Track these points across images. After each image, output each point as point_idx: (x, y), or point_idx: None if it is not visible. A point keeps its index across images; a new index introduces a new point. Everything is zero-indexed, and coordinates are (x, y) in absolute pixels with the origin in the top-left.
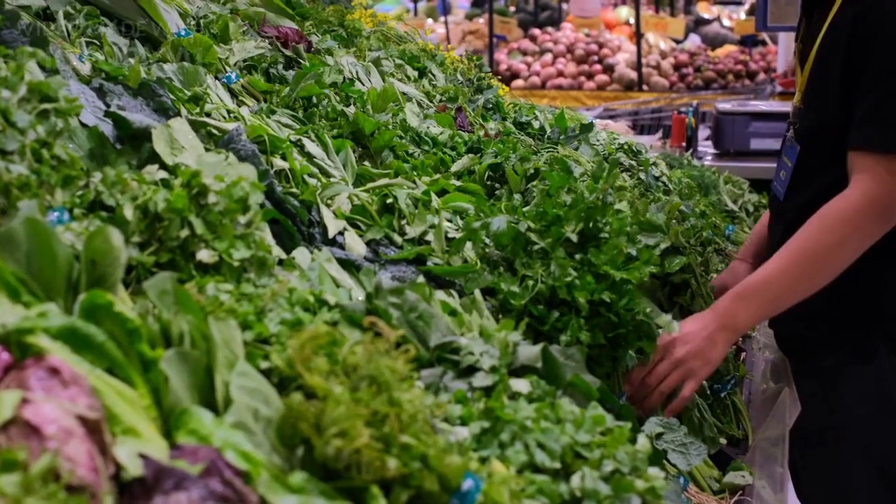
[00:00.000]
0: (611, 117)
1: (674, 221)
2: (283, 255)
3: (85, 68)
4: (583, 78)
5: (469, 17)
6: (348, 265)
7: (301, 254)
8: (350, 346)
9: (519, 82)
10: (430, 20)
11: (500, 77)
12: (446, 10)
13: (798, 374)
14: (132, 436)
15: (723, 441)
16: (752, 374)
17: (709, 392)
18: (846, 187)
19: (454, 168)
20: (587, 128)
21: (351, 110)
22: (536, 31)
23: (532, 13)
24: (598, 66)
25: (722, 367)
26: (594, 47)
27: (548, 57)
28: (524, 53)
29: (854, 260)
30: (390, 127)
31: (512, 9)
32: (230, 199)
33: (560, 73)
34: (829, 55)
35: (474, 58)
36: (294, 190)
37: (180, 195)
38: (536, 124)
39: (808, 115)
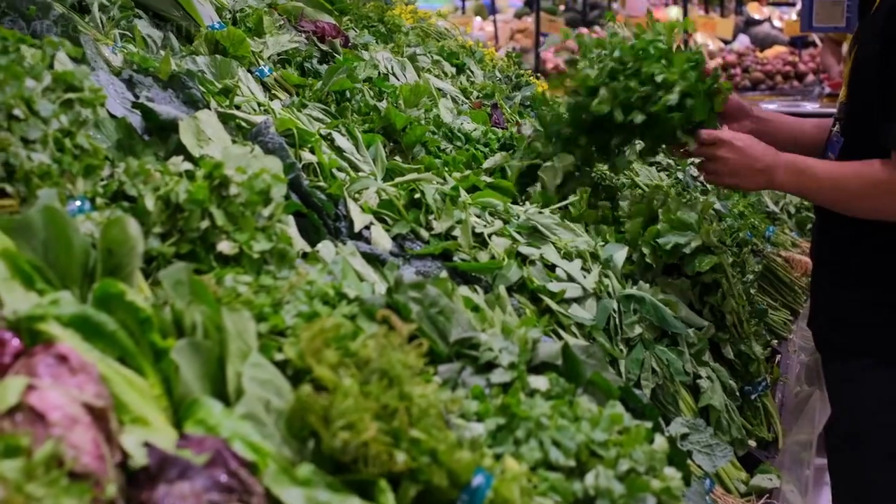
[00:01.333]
0: None
1: (710, 222)
2: (308, 249)
3: (117, 59)
4: None
5: (518, 16)
6: (373, 259)
7: (325, 247)
8: (363, 340)
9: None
10: (478, 18)
11: (541, 76)
12: (494, 8)
13: (828, 377)
14: (140, 425)
15: (752, 443)
16: (786, 376)
17: (738, 394)
18: None
19: (486, 164)
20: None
21: (383, 105)
22: (584, 31)
23: (580, 12)
24: None
25: (753, 368)
26: None
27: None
28: (572, 52)
29: (863, 214)
30: (423, 122)
31: (562, 7)
32: (251, 190)
33: None
34: (868, 50)
35: (513, 55)
36: (322, 183)
37: (201, 186)
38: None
39: (851, 110)
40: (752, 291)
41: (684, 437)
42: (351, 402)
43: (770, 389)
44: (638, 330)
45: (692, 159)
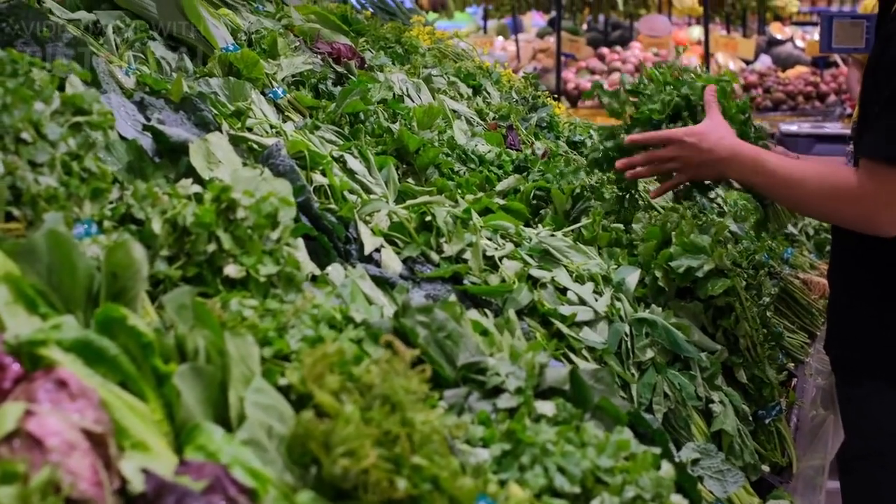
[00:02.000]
0: None
1: (727, 244)
2: (317, 271)
3: (130, 82)
4: None
5: (540, 36)
6: (382, 282)
7: (335, 270)
8: (366, 365)
9: (586, 101)
10: (500, 38)
11: (562, 96)
12: (517, 28)
13: (842, 399)
14: (141, 450)
15: (765, 468)
16: (801, 400)
17: (751, 418)
18: None
19: (499, 187)
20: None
21: (397, 127)
22: (605, 50)
23: (602, 32)
24: None
25: (767, 393)
26: None
27: (616, 76)
28: (592, 72)
29: (815, 215)
30: (436, 144)
31: (584, 27)
32: (259, 214)
33: None
34: (868, 69)
35: (530, 76)
36: (332, 206)
37: (208, 210)
38: (590, 143)
39: (860, 128)
40: (769, 314)
41: (695, 462)
42: (352, 428)
43: (785, 414)
44: (650, 354)
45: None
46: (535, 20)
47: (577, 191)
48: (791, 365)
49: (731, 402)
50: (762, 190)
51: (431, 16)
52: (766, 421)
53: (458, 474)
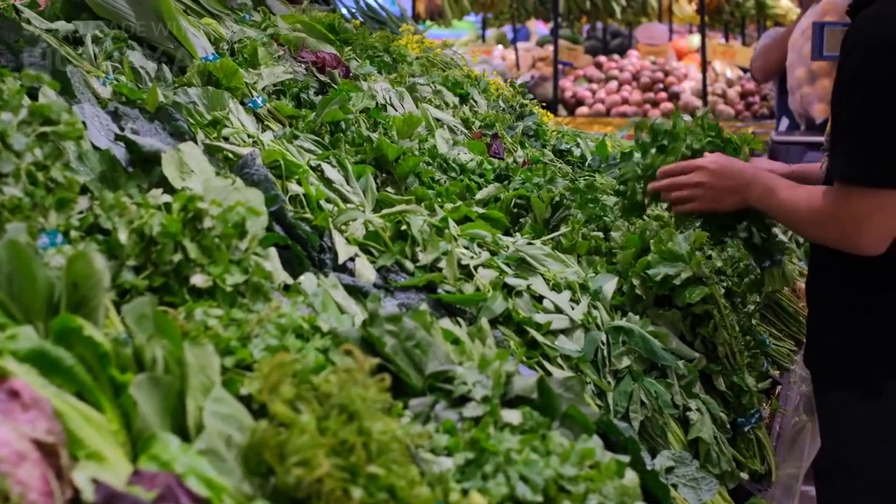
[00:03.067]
0: None
1: (711, 252)
2: (290, 281)
3: (106, 91)
4: (648, 106)
5: (540, 44)
6: (355, 291)
7: (307, 279)
8: (326, 374)
9: (583, 109)
10: (500, 46)
11: (559, 104)
12: (526, 35)
13: (819, 408)
14: (96, 460)
15: (744, 476)
16: (785, 407)
17: (729, 426)
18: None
19: (479, 195)
20: (627, 156)
21: (377, 136)
22: (602, 59)
23: (601, 40)
24: (663, 94)
25: (746, 400)
26: (660, 75)
27: (613, 84)
28: (590, 80)
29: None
30: (417, 153)
31: (584, 36)
32: (226, 223)
33: (625, 101)
34: (835, 82)
35: (517, 85)
36: (307, 215)
37: (174, 220)
38: (577, 152)
39: (832, 140)
40: (754, 322)
41: (670, 470)
42: (306, 437)
43: (766, 421)
44: (626, 362)
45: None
46: (539, 29)
47: (557, 199)
48: (776, 372)
49: (709, 410)
50: (774, 216)
51: (431, 25)
52: (746, 429)
53: (415, 483)
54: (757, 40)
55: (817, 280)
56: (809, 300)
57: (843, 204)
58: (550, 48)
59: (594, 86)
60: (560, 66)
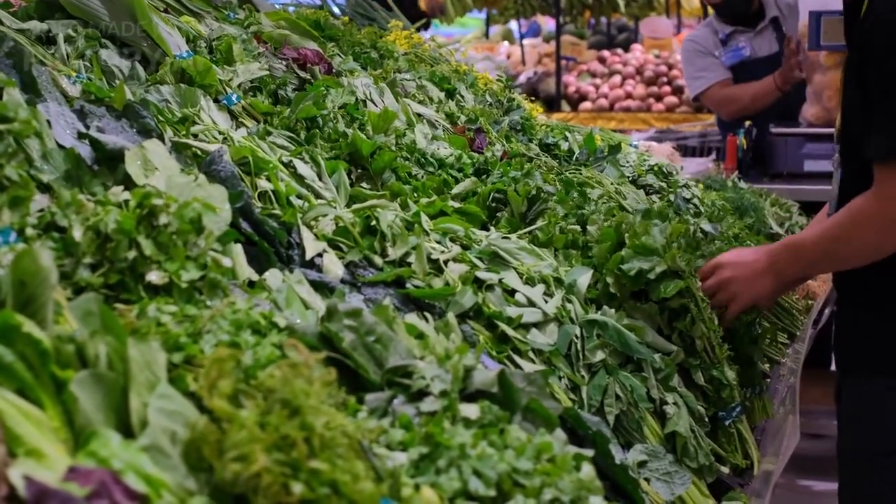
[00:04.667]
0: (668, 140)
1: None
2: (255, 277)
3: (76, 90)
4: (651, 100)
5: (546, 40)
6: (321, 287)
7: (272, 276)
8: (270, 370)
9: (587, 104)
10: (506, 42)
11: (562, 100)
12: (536, 31)
13: (843, 398)
14: (34, 457)
15: (725, 469)
16: (772, 400)
17: (707, 419)
18: None
19: (455, 190)
20: (615, 149)
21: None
22: (606, 53)
23: (606, 34)
24: (667, 88)
25: (726, 394)
26: (664, 69)
27: (616, 79)
28: (593, 75)
29: (862, 258)
30: (393, 148)
31: (590, 31)
32: (182, 220)
33: (629, 95)
34: (849, 70)
35: (505, 79)
36: (276, 211)
37: (128, 216)
38: (565, 146)
39: (846, 133)
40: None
41: (642, 464)
42: (244, 433)
43: (743, 415)
44: (601, 356)
45: None
46: (549, 25)
47: (534, 193)
48: (766, 366)
49: (686, 404)
50: (818, 270)
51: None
52: (727, 423)
53: (360, 478)
54: None
55: (845, 273)
56: (835, 284)
57: (889, 184)
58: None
59: (597, 81)
60: (564, 62)
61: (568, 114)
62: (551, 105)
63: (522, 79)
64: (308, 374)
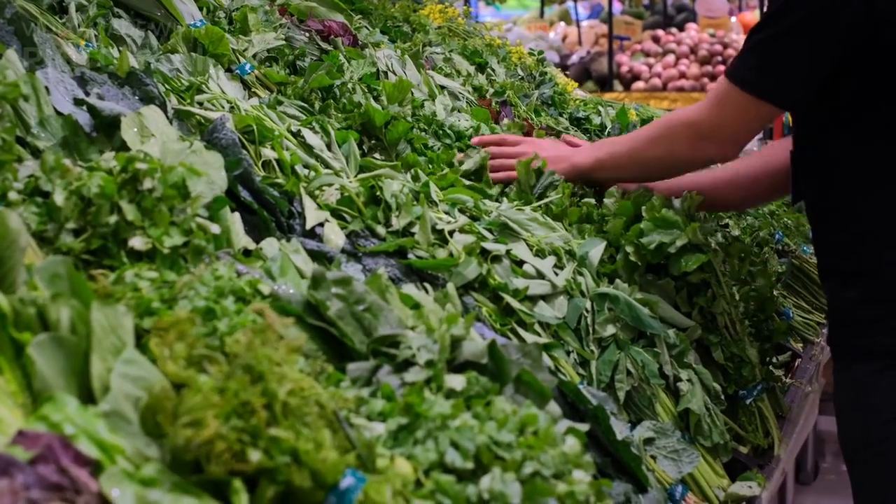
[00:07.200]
0: None
1: (728, 220)
2: (252, 245)
3: (82, 58)
4: (706, 79)
5: (603, 20)
6: (320, 257)
7: (269, 244)
8: (236, 335)
9: (639, 84)
10: (562, 23)
11: (615, 79)
12: (600, 12)
13: (839, 384)
14: None
15: (743, 449)
16: (800, 380)
17: (723, 397)
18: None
19: (467, 165)
20: (647, 123)
21: (371, 102)
22: (660, 32)
23: (663, 14)
24: (721, 67)
25: (746, 372)
26: (718, 48)
27: (670, 58)
28: (647, 55)
29: (663, 167)
30: (409, 119)
31: (648, 12)
32: (166, 184)
33: (682, 75)
34: None
35: (537, 52)
36: (279, 180)
37: (110, 180)
38: (597, 120)
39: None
40: (775, 293)
41: (649, 441)
42: (199, 398)
43: (765, 393)
44: (611, 330)
45: None
46: (617, 7)
47: (541, 165)
48: (800, 345)
49: (702, 380)
50: (619, 161)
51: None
52: (748, 401)
53: (323, 447)
54: None
55: (824, 244)
56: (820, 268)
57: (723, 100)
58: None
59: (651, 60)
60: (617, 42)
61: (620, 93)
62: (604, 85)
63: (575, 58)
64: (274, 339)
